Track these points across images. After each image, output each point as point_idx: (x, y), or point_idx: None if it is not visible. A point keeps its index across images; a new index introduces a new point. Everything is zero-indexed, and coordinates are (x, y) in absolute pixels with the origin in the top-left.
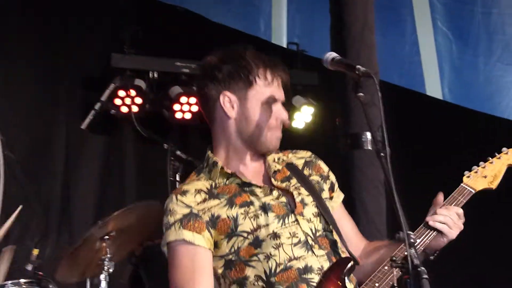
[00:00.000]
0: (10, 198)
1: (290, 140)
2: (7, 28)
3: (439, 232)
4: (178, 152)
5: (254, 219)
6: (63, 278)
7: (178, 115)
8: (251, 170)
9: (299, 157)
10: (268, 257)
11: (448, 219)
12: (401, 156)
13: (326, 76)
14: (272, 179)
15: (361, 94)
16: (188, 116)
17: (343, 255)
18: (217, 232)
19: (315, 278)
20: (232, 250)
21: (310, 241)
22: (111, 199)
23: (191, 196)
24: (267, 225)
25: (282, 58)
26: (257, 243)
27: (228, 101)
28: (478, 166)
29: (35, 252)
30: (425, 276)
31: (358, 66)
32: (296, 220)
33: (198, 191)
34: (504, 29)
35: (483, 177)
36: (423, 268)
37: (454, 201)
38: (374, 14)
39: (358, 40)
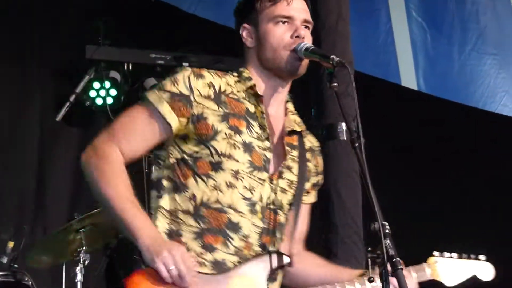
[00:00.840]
0: None
1: None
2: None
3: None
4: None
5: (231, 147)
6: (35, 264)
7: None
8: (272, 110)
9: (309, 140)
10: (215, 188)
11: None
12: (376, 146)
13: None
14: (288, 137)
15: (335, 84)
16: None
17: (279, 243)
18: (193, 129)
19: (235, 239)
20: (194, 154)
21: (257, 207)
22: (86, 191)
23: (201, 84)
24: (238, 161)
25: None
26: (217, 167)
27: (246, 32)
28: (454, 256)
29: (11, 244)
30: (400, 267)
31: (333, 56)
32: (264, 181)
33: (210, 85)
34: (478, 18)
35: (449, 270)
36: (398, 259)
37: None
38: (349, 4)
39: (333, 31)
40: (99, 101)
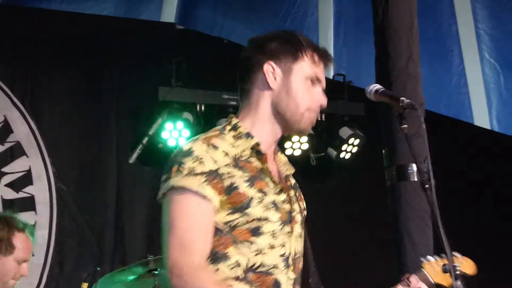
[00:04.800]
0: (63, 229)
1: (338, 171)
2: (53, 63)
3: None
4: None
5: (265, 210)
6: None
7: None
8: (270, 159)
9: (292, 177)
10: (259, 252)
11: None
12: (450, 186)
13: (373, 107)
14: (287, 181)
15: (405, 125)
16: None
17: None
18: (227, 200)
19: None
20: (229, 224)
21: (290, 260)
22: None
23: (220, 154)
24: (273, 222)
25: (329, 89)
26: (256, 232)
27: (271, 71)
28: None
29: (84, 286)
30: None
31: (402, 98)
32: (289, 233)
33: (226, 153)
34: None
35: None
36: None
37: None
38: (421, 45)
39: (403, 72)
40: (172, 142)
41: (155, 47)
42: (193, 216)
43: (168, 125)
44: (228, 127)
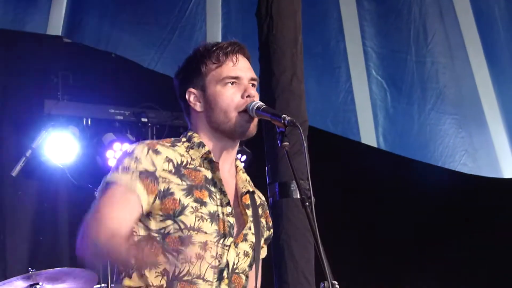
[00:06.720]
0: None
1: None
2: None
3: None
4: None
5: (198, 220)
6: None
7: (111, 162)
8: (225, 172)
9: (258, 195)
10: (185, 261)
11: None
12: (333, 202)
13: (259, 123)
14: (243, 197)
15: (286, 143)
16: None
17: None
18: (160, 206)
19: None
20: (161, 231)
21: (224, 273)
22: (44, 246)
23: (160, 159)
24: (206, 233)
25: None
26: (186, 241)
27: (193, 97)
28: None
29: None
30: None
31: (284, 115)
32: (229, 246)
33: (169, 160)
34: (437, 78)
35: None
36: None
37: None
38: (309, 62)
39: (287, 90)
40: (56, 156)
41: (42, 60)
42: (116, 201)
43: (53, 138)
44: (184, 139)
